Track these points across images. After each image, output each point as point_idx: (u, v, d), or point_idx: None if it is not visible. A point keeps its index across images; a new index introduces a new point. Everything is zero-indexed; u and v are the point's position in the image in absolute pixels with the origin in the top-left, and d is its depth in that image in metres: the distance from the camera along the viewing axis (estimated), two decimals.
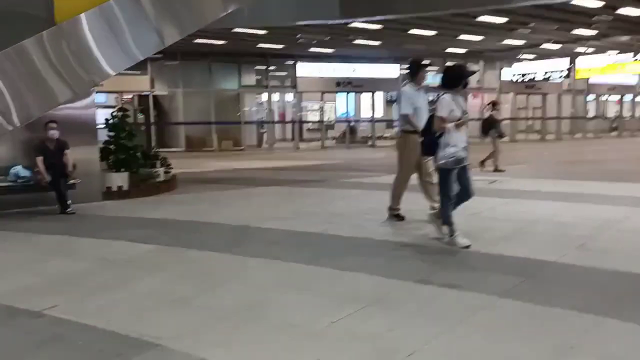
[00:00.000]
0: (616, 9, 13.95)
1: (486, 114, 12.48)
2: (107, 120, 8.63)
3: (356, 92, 23.81)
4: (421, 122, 5.49)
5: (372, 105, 23.68)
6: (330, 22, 14.60)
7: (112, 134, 8.53)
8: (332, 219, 6.32)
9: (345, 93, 23.97)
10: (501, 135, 11.63)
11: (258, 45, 18.78)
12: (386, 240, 5.26)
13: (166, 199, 8.48)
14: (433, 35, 17.38)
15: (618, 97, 29.82)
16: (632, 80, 28.27)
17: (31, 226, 6.31)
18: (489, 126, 11.41)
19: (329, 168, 13.38)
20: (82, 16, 6.26)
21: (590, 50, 21.40)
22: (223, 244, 5.21)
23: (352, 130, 24.04)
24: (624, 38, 18.64)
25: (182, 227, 6.11)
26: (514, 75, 20.91)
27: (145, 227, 6.16)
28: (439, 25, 15.86)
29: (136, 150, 8.58)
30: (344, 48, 19.89)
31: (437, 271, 4.15)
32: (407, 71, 6.25)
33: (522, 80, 20.90)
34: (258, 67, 22.12)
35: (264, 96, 22.82)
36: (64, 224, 6.49)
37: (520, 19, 15.16)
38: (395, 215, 6.08)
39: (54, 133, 6.92)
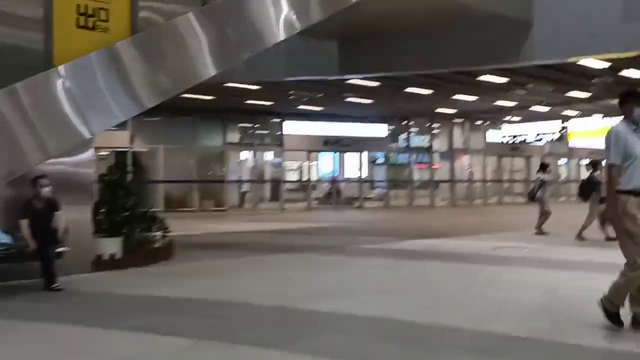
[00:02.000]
0: (620, 70, 13.83)
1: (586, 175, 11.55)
2: (102, 175, 7.46)
3: (344, 151, 23.16)
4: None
5: (359, 165, 23.01)
6: (329, 78, 14.01)
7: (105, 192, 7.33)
8: (392, 296, 5.24)
9: (333, 152, 23.30)
10: (603, 200, 10.60)
11: (247, 102, 18.03)
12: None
13: (168, 269, 7.22)
14: (428, 94, 17.01)
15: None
16: None
17: (12, 307, 4.99)
18: (592, 188, 10.25)
19: (332, 232, 12.35)
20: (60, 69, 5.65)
21: (575, 113, 21.51)
22: (273, 335, 4.05)
23: (337, 191, 23.21)
24: (614, 101, 18.67)
25: (205, 310, 4.90)
26: (503, 136, 20.70)
27: (159, 311, 4.92)
28: (436, 83, 15.49)
29: (135, 210, 7.37)
30: (334, 106, 19.36)
31: None
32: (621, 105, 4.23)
33: (513, 142, 20.66)
34: (244, 124, 21.31)
35: (249, 154, 21.90)
36: (52, 305, 5.18)
37: (520, 79, 14.92)
38: (611, 316, 3.99)
39: (46, 190, 5.69)
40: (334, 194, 22.42)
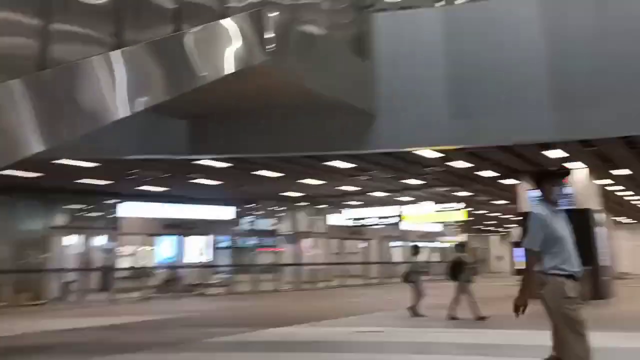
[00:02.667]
0: (451, 160, 15.17)
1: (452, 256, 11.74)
2: None
3: (187, 234, 21.88)
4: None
5: (202, 249, 21.85)
6: (177, 157, 13.21)
7: None
8: None
9: (174, 235, 21.87)
10: (469, 280, 10.92)
11: (79, 180, 16.26)
12: None
13: None
14: (277, 177, 16.97)
15: (428, 243, 32.61)
16: (437, 228, 31.34)
17: None
18: (459, 269, 10.65)
19: (174, 324, 11.09)
20: None
21: (409, 199, 23.16)
22: None
23: (177, 278, 21.58)
24: (443, 189, 20.50)
25: None
26: (348, 219, 21.39)
27: None
28: (286, 167, 15.53)
29: None
30: (179, 187, 18.38)
31: None
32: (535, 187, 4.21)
33: (357, 225, 21.41)
34: (73, 205, 19.13)
35: (76, 239, 19.55)
36: None
37: (366, 165, 15.60)
38: None
39: None
40: (174, 281, 20.80)
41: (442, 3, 12.66)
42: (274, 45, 8.37)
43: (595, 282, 15.23)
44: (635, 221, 34.47)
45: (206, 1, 7.12)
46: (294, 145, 12.84)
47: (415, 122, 11.94)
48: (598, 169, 16.55)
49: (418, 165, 15.62)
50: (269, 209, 23.85)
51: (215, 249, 24.11)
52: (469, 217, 20.51)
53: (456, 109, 11.66)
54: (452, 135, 12.04)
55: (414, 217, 21.24)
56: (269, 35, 8.34)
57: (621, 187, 21.05)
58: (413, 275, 11.18)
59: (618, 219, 30.75)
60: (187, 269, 22.36)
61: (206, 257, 22.64)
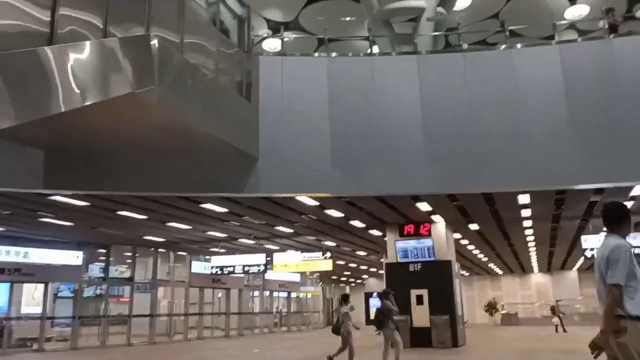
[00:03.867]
0: (325, 209, 15.20)
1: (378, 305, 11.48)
2: None
3: (26, 281, 19.07)
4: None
5: (41, 298, 19.13)
6: (31, 191, 11.48)
7: None
8: None
9: (7, 282, 18.91)
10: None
11: None
12: None
13: None
14: (140, 220, 15.61)
15: (285, 293, 32.24)
16: (296, 278, 31.23)
17: None
18: (386, 317, 10.62)
19: None
20: None
21: (276, 247, 22.81)
22: None
23: (8, 331, 18.55)
24: (311, 238, 20.48)
25: None
26: (212, 267, 20.31)
27: None
28: (153, 208, 14.35)
29: None
30: (21, 226, 16.07)
31: None
32: (607, 219, 3.83)
33: (221, 273, 20.40)
34: None
35: None
36: None
37: (239, 210, 15.01)
38: None
39: None
40: (4, 334, 17.86)
41: (324, 54, 12.94)
42: (160, 75, 7.70)
43: (454, 330, 16.03)
44: (468, 273, 37.75)
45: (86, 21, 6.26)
46: (166, 185, 11.90)
47: (296, 168, 11.80)
48: (456, 223, 17.80)
49: (293, 212, 15.42)
50: (124, 254, 21.88)
51: (57, 298, 21.34)
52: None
53: (336, 158, 11.76)
54: (332, 183, 12.04)
55: (282, 266, 20.86)
56: (156, 64, 7.67)
57: (467, 241, 22.88)
58: (344, 326, 10.79)
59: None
60: (20, 321, 19.38)
61: (44, 306, 19.80)
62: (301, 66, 12.11)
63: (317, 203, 14.31)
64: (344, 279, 43.00)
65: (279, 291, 31.71)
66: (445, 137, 10.64)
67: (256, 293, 29.61)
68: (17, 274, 17.92)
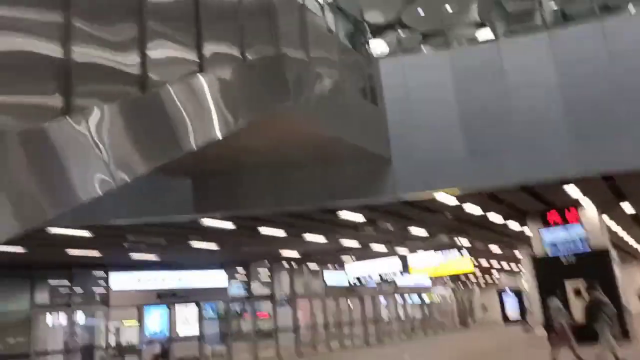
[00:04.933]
0: (463, 204, 14.65)
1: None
2: None
3: (178, 303, 20.39)
4: None
5: (196, 319, 20.28)
6: (181, 218, 12.24)
7: None
8: None
9: (164, 306, 20.32)
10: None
11: (65, 251, 14.98)
12: None
13: None
14: (280, 237, 16.07)
15: (417, 297, 31.60)
16: (427, 282, 30.34)
17: None
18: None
19: None
20: None
21: (408, 250, 22.41)
22: None
23: (165, 354, 19.75)
24: (445, 238, 19.87)
25: None
26: (350, 277, 20.37)
27: None
28: (293, 222, 14.67)
29: None
30: (171, 253, 17.22)
31: None
32: None
33: (354, 284, 20.34)
34: (57, 280, 17.63)
35: (65, 316, 17.89)
36: None
37: (376, 216, 14.91)
38: None
39: None
40: (169, 356, 19.15)
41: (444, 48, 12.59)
42: (297, 90, 7.83)
43: (622, 322, 14.60)
44: None
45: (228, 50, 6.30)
46: (306, 197, 12.09)
47: (430, 164, 11.45)
48: (606, 204, 16.30)
49: (429, 212, 15.04)
50: (265, 271, 22.65)
51: (206, 318, 22.53)
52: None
53: (474, 145, 11.21)
54: (469, 175, 11.49)
55: (425, 269, 20.38)
56: (291, 80, 7.80)
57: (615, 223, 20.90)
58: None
59: None
60: (179, 342, 20.69)
61: (198, 328, 20.97)
62: (421, 63, 11.90)
63: (455, 200, 13.81)
64: (473, 279, 41.25)
65: (409, 293, 31.18)
66: (591, 113, 9.90)
67: (389, 299, 29.24)
68: (174, 297, 19.17)
